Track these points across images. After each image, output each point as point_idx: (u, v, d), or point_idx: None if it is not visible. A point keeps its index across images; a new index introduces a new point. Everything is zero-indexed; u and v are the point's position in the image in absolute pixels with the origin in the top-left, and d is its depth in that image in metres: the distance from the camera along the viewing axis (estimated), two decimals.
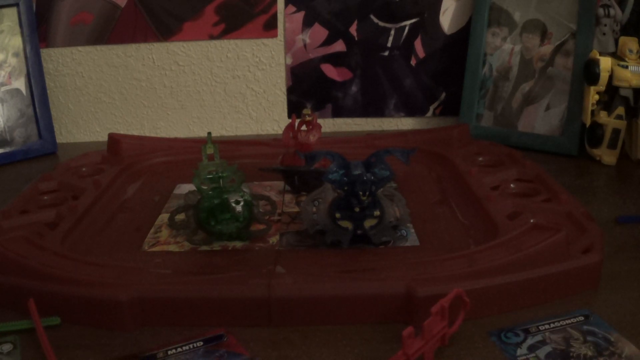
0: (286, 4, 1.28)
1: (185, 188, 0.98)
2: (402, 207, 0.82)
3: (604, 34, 1.14)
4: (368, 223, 0.78)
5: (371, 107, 1.33)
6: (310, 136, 0.98)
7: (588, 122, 1.10)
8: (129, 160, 1.09)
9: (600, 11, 1.13)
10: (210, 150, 0.83)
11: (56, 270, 0.69)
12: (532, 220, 0.77)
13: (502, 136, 1.20)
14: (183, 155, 1.11)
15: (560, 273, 0.69)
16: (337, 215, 0.78)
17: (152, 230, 0.86)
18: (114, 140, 1.12)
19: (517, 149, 1.08)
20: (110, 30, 1.28)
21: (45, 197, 0.95)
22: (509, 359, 0.59)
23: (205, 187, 0.80)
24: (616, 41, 1.12)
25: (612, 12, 1.13)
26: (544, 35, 1.19)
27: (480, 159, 1.04)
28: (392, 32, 1.29)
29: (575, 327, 0.63)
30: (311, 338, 0.64)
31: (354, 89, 1.32)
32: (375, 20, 1.29)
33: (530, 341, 0.61)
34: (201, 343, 0.62)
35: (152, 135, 1.31)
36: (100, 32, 1.28)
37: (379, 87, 1.32)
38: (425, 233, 0.83)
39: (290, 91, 1.33)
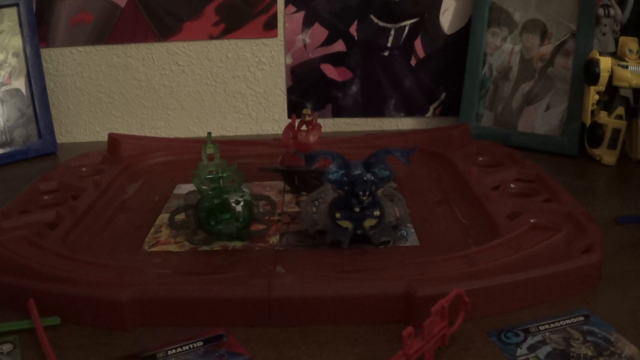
0: (286, 4, 1.28)
1: (185, 188, 0.98)
2: (402, 207, 0.82)
3: (604, 34, 1.14)
4: (368, 223, 0.78)
5: (371, 107, 1.33)
6: (310, 136, 0.98)
7: (588, 122, 1.10)
8: (129, 160, 1.09)
9: (600, 11, 1.13)
10: (210, 150, 0.83)
11: (56, 270, 0.69)
12: (532, 220, 0.77)
13: (502, 136, 1.20)
14: (183, 155, 1.11)
15: (560, 273, 0.69)
16: (337, 215, 0.78)
17: (152, 230, 0.86)
18: (114, 140, 1.12)
19: (517, 149, 1.08)
20: (110, 30, 1.28)
21: (45, 197, 0.95)
22: (509, 359, 0.59)
23: (205, 187, 0.80)
24: (616, 41, 1.12)
25: (612, 12, 1.13)
26: (544, 35, 1.19)
27: (480, 159, 1.04)
28: (392, 32, 1.29)
29: (575, 327, 0.63)
30: (311, 338, 0.64)
31: (354, 89, 1.32)
32: (375, 20, 1.29)
33: (530, 341, 0.61)
34: (201, 343, 0.62)
35: (152, 135, 1.31)
36: (100, 32, 1.28)
37: (379, 87, 1.32)
38: (425, 233, 0.83)
39: (290, 91, 1.33)
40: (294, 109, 1.33)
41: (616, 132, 1.08)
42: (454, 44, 1.29)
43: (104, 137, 1.19)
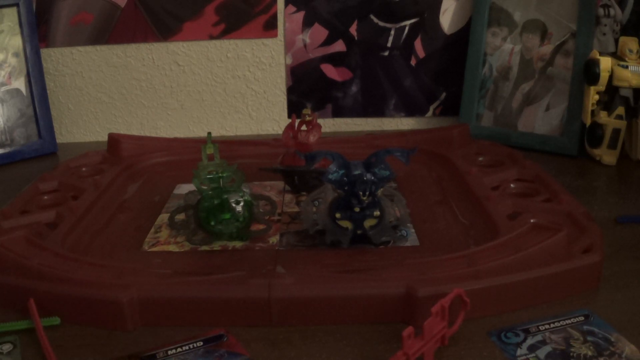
0: (286, 4, 1.28)
1: (185, 188, 0.98)
2: (402, 207, 0.82)
3: (604, 34, 1.14)
4: (368, 223, 0.78)
5: (371, 107, 1.33)
6: (310, 136, 0.98)
7: (588, 122, 1.10)
8: (129, 160, 1.09)
9: (600, 11, 1.13)
10: (210, 150, 0.83)
11: (56, 270, 0.69)
12: (532, 220, 0.77)
13: (502, 136, 1.20)
14: (183, 155, 1.11)
15: (560, 273, 0.69)
16: (337, 215, 0.78)
17: (152, 230, 0.86)
18: (114, 140, 1.12)
19: (517, 149, 1.08)
20: (110, 30, 1.28)
21: (45, 197, 0.95)
22: (509, 359, 0.59)
23: (205, 187, 0.80)
24: (616, 41, 1.12)
25: (612, 12, 1.13)
26: (544, 35, 1.19)
27: (480, 159, 1.04)
28: (392, 32, 1.29)
29: (575, 327, 0.63)
30: (311, 338, 0.64)
31: (354, 89, 1.32)
32: (375, 20, 1.29)
33: (530, 341, 0.61)
34: (201, 343, 0.62)
35: (152, 135, 1.31)
36: (100, 32, 1.28)
37: (379, 87, 1.32)
38: (425, 233, 0.83)
39: (290, 91, 1.33)
40: (294, 109, 1.33)
41: (616, 132, 1.08)
42: (454, 44, 1.29)
43: (104, 137, 1.19)
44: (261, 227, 0.83)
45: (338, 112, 1.34)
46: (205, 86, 1.32)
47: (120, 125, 1.34)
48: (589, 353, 0.59)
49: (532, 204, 0.86)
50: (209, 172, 0.81)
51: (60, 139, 1.32)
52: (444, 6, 1.28)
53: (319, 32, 1.29)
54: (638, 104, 1.09)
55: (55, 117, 1.30)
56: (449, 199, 0.93)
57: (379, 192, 0.79)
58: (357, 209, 0.77)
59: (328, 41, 1.30)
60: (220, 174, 0.80)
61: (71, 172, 1.03)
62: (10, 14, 1.21)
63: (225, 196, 0.80)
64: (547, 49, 1.18)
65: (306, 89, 1.32)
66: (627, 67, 1.06)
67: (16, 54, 1.22)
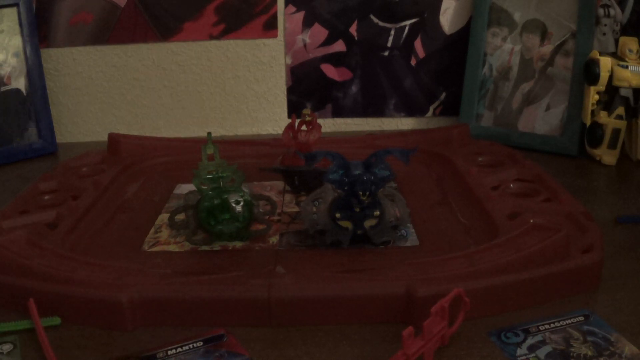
0: (286, 4, 1.28)
1: (185, 188, 0.98)
2: (402, 207, 0.82)
3: (604, 34, 1.14)
4: (368, 223, 0.78)
5: (371, 107, 1.33)
6: (310, 136, 0.98)
7: (588, 122, 1.10)
8: (129, 160, 1.09)
9: (600, 11, 1.13)
10: (210, 150, 0.83)
11: (56, 270, 0.69)
12: (532, 220, 0.77)
13: (502, 136, 1.20)
14: (183, 155, 1.11)
15: (560, 273, 0.69)
16: (337, 215, 0.78)
17: (152, 230, 0.86)
18: (114, 140, 1.12)
19: (517, 149, 1.08)
20: (110, 30, 1.28)
21: (45, 197, 0.95)
22: (509, 359, 0.59)
23: (205, 187, 0.80)
24: (616, 41, 1.12)
25: (612, 12, 1.13)
26: (544, 35, 1.19)
27: (480, 159, 1.04)
28: (392, 32, 1.29)
29: (575, 327, 0.63)
30: (311, 338, 0.64)
31: (354, 89, 1.32)
32: (375, 20, 1.29)
33: (530, 341, 0.61)
34: (201, 343, 0.62)
35: (152, 135, 1.31)
36: (100, 32, 1.28)
37: (379, 87, 1.32)
38: (425, 233, 0.83)
39: (290, 91, 1.33)
40: (294, 109, 1.33)
41: (616, 132, 1.08)
42: (454, 44, 1.29)
43: (104, 137, 1.18)
44: (261, 227, 0.84)
45: (338, 112, 1.34)
46: (205, 86, 1.32)
47: (120, 125, 1.34)
48: (589, 353, 0.59)
49: (532, 204, 0.86)
50: (209, 172, 0.81)
51: (60, 139, 1.32)
52: (444, 6, 1.28)
53: (319, 32, 1.29)
54: (638, 104, 1.09)
55: (55, 117, 1.29)
56: (449, 199, 0.93)
57: (379, 192, 0.79)
58: (357, 209, 0.77)
59: (328, 41, 1.30)
60: (220, 174, 0.80)
61: (71, 172, 1.03)
62: (10, 14, 1.21)
63: (225, 196, 0.80)
64: (547, 49, 1.18)
65: (306, 89, 1.33)
66: (627, 67, 1.06)
67: (16, 54, 1.22)
